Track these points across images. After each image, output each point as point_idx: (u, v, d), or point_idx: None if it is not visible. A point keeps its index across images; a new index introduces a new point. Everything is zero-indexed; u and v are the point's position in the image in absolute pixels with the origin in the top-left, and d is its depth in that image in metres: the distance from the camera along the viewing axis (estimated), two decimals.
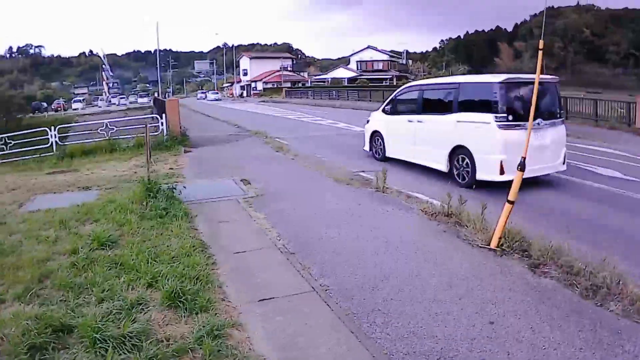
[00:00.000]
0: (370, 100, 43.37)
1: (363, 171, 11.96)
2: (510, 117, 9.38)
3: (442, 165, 10.75)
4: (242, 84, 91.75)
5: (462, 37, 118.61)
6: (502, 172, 9.31)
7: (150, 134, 17.34)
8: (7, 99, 53.54)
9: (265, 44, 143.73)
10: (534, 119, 7.66)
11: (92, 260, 6.02)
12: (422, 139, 11.51)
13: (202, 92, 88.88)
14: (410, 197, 9.05)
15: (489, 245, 6.06)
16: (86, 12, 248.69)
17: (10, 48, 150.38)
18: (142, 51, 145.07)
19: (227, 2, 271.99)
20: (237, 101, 72.19)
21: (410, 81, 27.81)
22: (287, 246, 6.42)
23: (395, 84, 69.99)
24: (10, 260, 6.28)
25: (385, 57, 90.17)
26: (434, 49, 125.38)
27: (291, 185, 10.43)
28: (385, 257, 5.94)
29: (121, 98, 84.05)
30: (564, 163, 10.41)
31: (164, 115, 17.57)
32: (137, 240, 6.71)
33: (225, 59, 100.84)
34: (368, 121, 14.22)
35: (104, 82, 63.12)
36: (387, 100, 13.43)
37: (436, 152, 10.91)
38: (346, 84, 72.89)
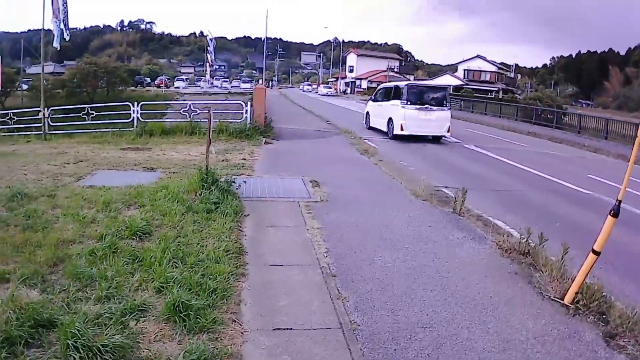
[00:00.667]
0: (472, 112, 42.15)
1: (446, 187, 11.29)
2: (409, 103, 19.02)
3: (384, 128, 20.78)
4: (346, 80, 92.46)
5: (573, 56, 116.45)
6: (402, 129, 19.06)
7: (234, 121, 17.53)
8: (111, 70, 57.01)
9: (376, 43, 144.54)
10: (424, 104, 19.04)
11: (114, 250, 5.80)
12: (380, 114, 21.59)
13: (308, 84, 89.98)
14: (487, 224, 8.13)
15: (562, 299, 5.13)
16: None
17: (122, 22, 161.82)
18: (252, 37, 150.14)
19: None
20: (340, 97, 72.46)
21: (516, 95, 35.42)
22: (330, 266, 5.81)
23: (500, 97, 68.83)
24: (36, 237, 6.23)
25: (494, 68, 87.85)
26: (544, 65, 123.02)
27: (363, 193, 9.82)
28: (437, 297, 5.15)
29: (224, 81, 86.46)
30: (448, 131, 19.74)
31: (248, 103, 17.56)
32: (171, 235, 6.42)
33: (333, 53, 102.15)
34: (366, 106, 25.13)
35: (207, 64, 65.30)
36: (374, 93, 24.69)
37: (383, 121, 20.88)
38: (450, 92, 72.47)
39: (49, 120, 18.22)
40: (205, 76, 76.40)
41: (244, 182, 9.26)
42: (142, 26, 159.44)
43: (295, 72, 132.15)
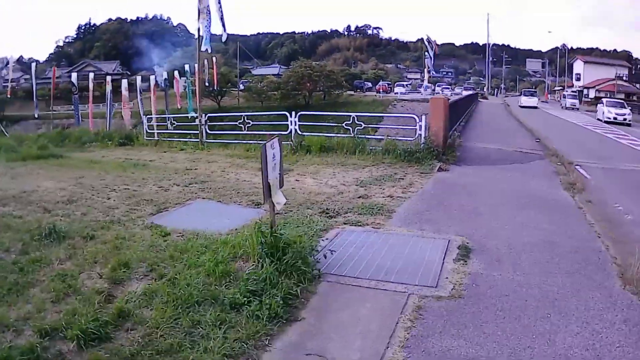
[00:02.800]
0: None
1: None
2: (523, 95, 60.30)
3: (519, 104, 56.01)
4: (573, 89, 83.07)
5: None
6: (521, 103, 55.79)
7: (405, 138, 14.37)
8: (327, 74, 57.23)
9: (604, 50, 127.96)
10: (528, 95, 59.20)
11: None
12: (518, 100, 62.88)
13: (529, 92, 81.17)
14: None
15: None
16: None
17: (349, 26, 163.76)
18: (480, 44, 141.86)
19: (572, 3, 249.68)
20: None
21: None
22: None
23: None
24: None
25: None
26: None
27: (535, 276, 5.87)
28: None
29: (445, 88, 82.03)
30: (537, 104, 55.93)
31: (423, 117, 14.11)
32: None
33: (559, 61, 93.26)
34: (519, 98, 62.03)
35: (425, 70, 62.17)
36: (521, 93, 69.02)
37: (519, 102, 57.96)
38: None
39: (207, 127, 17.00)
40: (423, 82, 73.17)
41: (331, 252, 6.16)
42: (369, 31, 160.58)
43: (522, 79, 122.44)
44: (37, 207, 8.37)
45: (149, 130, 19.71)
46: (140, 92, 35.25)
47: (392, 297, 5.24)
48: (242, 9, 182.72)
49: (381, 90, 73.47)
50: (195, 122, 17.29)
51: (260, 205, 8.83)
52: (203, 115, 16.97)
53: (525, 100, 55.31)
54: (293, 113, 15.36)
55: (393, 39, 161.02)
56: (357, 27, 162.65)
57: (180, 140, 18.04)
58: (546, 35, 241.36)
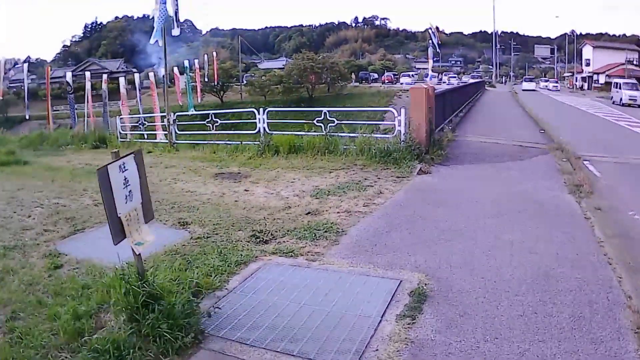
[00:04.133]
0: None
1: None
2: (524, 82, 76.93)
3: (522, 88, 69.50)
4: (583, 75, 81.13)
5: None
6: (525, 88, 69.32)
7: (383, 136, 12.91)
8: (330, 65, 55.54)
9: (614, 35, 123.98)
10: (529, 81, 74.91)
11: None
12: (522, 85, 76.18)
13: (528, 79, 79.22)
14: None
15: None
16: None
17: (356, 18, 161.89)
18: (489, 32, 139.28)
19: None
20: (575, 94, 62.12)
21: None
22: None
23: None
24: None
25: None
26: None
27: (515, 338, 4.09)
28: None
29: (452, 77, 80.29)
30: (535, 88, 68.04)
31: (402, 111, 12.46)
32: None
33: (568, 47, 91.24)
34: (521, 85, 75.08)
35: (429, 59, 60.15)
36: (522, 80, 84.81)
37: (522, 87, 72.72)
38: None
39: (176, 127, 15.57)
40: (428, 72, 71.24)
41: (214, 309, 4.64)
42: (377, 22, 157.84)
43: (532, 67, 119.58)
44: None
45: (122, 132, 18.39)
46: (139, 89, 34.23)
47: None
48: (250, 3, 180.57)
49: (386, 81, 71.87)
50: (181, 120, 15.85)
51: (188, 225, 7.43)
52: (172, 114, 15.54)
53: (526, 85, 70.45)
54: (261, 110, 13.77)
55: (401, 29, 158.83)
56: (364, 18, 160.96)
57: (151, 142, 16.70)
58: (554, 22, 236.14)
